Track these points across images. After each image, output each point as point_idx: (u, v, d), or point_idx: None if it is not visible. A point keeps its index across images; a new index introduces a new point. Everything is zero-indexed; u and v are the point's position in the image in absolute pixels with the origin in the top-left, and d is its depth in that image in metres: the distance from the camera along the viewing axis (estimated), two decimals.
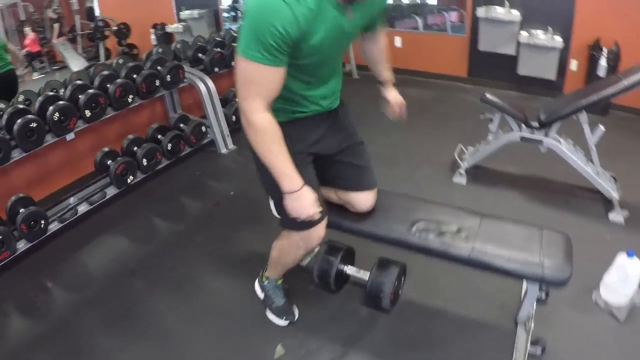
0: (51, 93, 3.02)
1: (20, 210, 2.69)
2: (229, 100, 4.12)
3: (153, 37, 6.86)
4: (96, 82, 3.17)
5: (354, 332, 2.05)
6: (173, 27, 6.66)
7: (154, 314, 2.25)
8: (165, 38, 6.73)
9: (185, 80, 3.74)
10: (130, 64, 3.40)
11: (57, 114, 2.80)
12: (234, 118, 3.98)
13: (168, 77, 3.50)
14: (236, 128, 3.99)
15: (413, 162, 3.49)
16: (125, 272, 2.60)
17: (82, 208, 3.05)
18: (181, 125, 3.75)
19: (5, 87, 4.18)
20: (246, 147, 1.52)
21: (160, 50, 4.03)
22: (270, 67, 1.29)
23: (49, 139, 2.89)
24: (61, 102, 2.87)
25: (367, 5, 1.43)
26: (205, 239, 2.82)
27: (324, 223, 1.71)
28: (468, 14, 4.78)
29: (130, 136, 3.45)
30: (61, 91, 3.24)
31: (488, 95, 2.97)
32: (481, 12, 4.58)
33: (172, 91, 3.84)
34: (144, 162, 3.30)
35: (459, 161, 3.20)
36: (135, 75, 3.34)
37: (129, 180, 3.22)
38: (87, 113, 2.98)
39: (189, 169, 3.69)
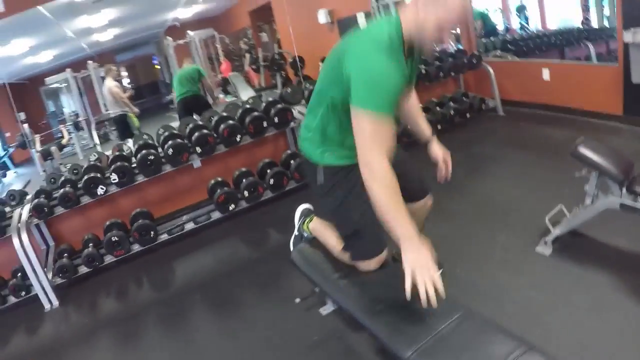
0: (174, 132, 3.72)
1: (138, 221, 3.44)
2: None
3: None
4: (212, 123, 3.76)
5: None
6: None
7: (196, 326, 2.70)
8: None
9: (295, 121, 4.03)
10: (247, 106, 3.91)
11: (171, 150, 3.45)
12: None
13: (276, 119, 3.88)
14: None
15: (503, 221, 3.04)
16: (195, 285, 3.14)
17: (189, 226, 3.68)
18: (291, 161, 4.06)
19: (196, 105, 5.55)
20: None
21: (289, 90, 4.47)
22: (391, 118, 1.44)
23: (167, 168, 3.57)
24: (178, 140, 3.52)
25: (415, 63, 1.61)
26: (266, 271, 3.06)
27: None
28: (619, 38, 3.81)
29: (243, 169, 3.95)
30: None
31: (581, 149, 2.41)
32: (628, 36, 3.61)
33: (293, 129, 4.22)
34: (246, 193, 3.74)
35: (550, 226, 2.73)
36: (246, 117, 3.82)
37: (230, 208, 3.70)
38: (198, 149, 3.57)
39: (291, 204, 3.93)
